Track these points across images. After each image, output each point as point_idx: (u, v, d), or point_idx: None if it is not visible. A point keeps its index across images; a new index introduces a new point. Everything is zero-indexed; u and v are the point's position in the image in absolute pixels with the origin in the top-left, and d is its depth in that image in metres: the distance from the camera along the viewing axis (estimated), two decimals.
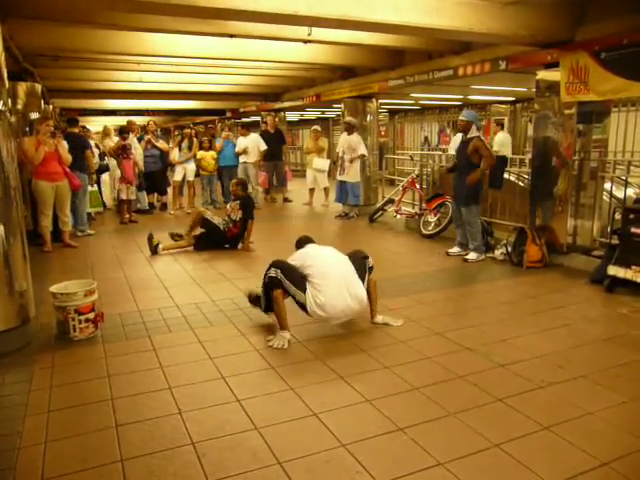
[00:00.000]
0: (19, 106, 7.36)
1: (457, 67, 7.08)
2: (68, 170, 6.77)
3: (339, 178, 9.12)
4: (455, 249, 6.37)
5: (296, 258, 3.86)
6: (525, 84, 8.80)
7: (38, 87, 7.88)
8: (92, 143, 9.14)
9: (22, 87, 7.45)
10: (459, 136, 6.66)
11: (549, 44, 5.49)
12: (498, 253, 6.10)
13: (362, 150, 8.92)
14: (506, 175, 6.85)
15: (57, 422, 2.70)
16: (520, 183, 7.01)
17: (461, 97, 12.71)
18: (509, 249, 5.90)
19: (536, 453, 2.38)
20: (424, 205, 7.91)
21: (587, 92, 5.20)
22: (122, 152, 8.59)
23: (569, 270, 5.58)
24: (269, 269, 3.73)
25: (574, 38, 5.33)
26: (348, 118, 9.29)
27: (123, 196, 8.58)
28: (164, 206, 10.27)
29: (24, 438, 2.55)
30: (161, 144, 9.93)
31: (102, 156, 9.38)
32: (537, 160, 6.06)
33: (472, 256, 6.05)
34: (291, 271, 3.70)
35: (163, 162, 9.96)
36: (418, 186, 8.39)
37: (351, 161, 8.87)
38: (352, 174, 8.94)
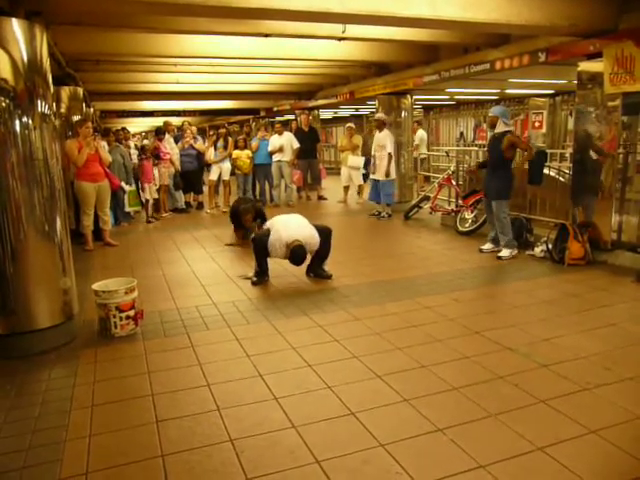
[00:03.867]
0: (62, 110, 7.63)
1: (494, 61, 6.88)
2: (108, 170, 6.96)
3: (371, 177, 9.00)
4: (488, 245, 6.25)
5: (267, 224, 5.43)
6: (565, 76, 8.53)
7: (80, 91, 8.13)
8: (131, 144, 9.35)
9: (65, 91, 7.72)
10: None
11: (591, 34, 5.30)
12: (538, 250, 5.93)
13: (389, 148, 8.56)
14: (546, 170, 6.66)
15: (100, 416, 2.77)
16: (560, 178, 6.80)
17: (498, 91, 12.41)
18: (550, 246, 5.73)
19: (583, 458, 2.30)
20: (460, 202, 7.77)
21: (633, 82, 5.00)
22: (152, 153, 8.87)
23: (614, 268, 5.37)
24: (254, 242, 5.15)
25: (618, 27, 5.12)
26: (378, 115, 9.09)
27: (147, 196, 8.81)
28: (200, 205, 10.43)
29: (70, 431, 2.63)
30: (199, 145, 10.06)
31: (143, 150, 9.39)
32: (578, 154, 5.86)
33: (505, 253, 5.92)
34: (262, 233, 5.21)
35: (199, 162, 10.10)
36: (454, 182, 8.25)
37: (388, 168, 8.56)
38: (382, 172, 8.62)
